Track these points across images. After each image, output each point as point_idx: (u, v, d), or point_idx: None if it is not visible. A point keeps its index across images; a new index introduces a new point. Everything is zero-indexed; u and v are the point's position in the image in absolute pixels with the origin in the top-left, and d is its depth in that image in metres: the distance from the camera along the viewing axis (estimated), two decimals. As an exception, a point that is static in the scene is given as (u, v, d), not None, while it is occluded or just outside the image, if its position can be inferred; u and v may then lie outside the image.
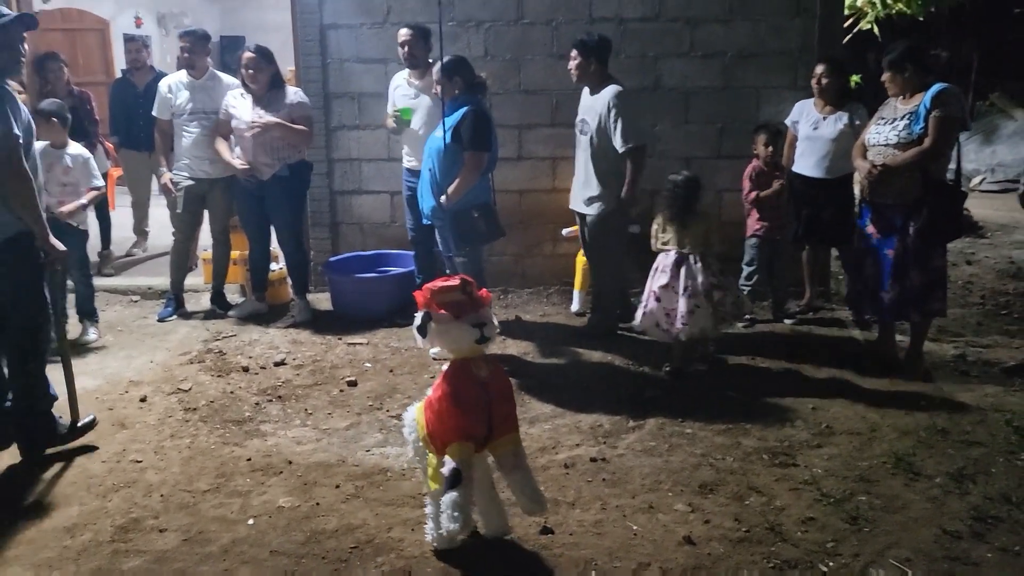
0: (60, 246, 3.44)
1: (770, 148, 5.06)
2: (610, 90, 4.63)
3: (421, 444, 2.86)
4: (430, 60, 4.92)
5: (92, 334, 5.04)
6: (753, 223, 5.20)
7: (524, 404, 4.04)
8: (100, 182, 5.06)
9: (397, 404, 4.06)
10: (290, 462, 3.49)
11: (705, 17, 5.55)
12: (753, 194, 5.11)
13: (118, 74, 9.91)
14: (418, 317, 2.72)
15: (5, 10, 3.29)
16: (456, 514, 2.64)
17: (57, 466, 3.47)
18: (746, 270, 5.24)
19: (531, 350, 4.82)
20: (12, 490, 3.31)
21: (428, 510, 2.85)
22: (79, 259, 4.95)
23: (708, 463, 3.42)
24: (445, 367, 2.84)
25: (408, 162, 5.12)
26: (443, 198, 4.35)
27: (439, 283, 2.76)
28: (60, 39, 9.14)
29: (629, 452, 3.53)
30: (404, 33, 4.95)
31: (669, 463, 3.43)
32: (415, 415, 2.89)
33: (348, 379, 4.36)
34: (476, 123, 4.32)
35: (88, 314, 5.09)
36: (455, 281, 2.76)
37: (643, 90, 5.53)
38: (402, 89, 5.09)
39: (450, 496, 2.66)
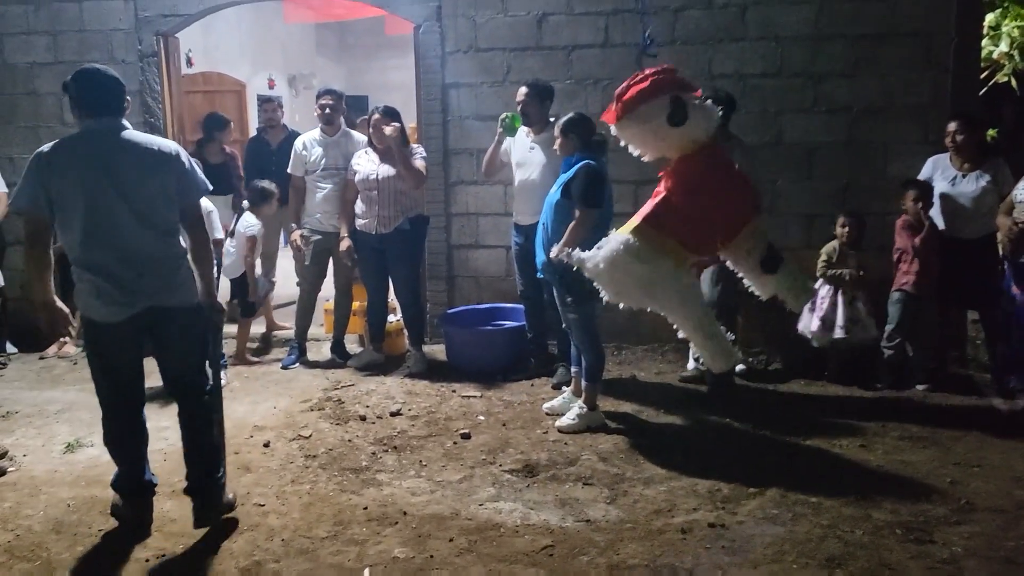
0: (223, 305, 3.54)
1: (919, 204, 4.87)
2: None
3: None
4: (551, 118, 4.99)
5: (221, 379, 5.25)
6: (901, 276, 4.98)
7: (638, 464, 3.96)
8: (220, 234, 5.35)
9: (510, 459, 4.05)
10: (405, 513, 3.51)
11: (830, 72, 5.44)
12: (910, 241, 4.89)
13: (252, 133, 10.52)
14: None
15: None
16: None
17: (184, 506, 3.60)
18: (888, 330, 5.01)
19: (646, 409, 4.73)
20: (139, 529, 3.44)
21: None
22: None
23: (835, 535, 3.25)
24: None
25: (518, 218, 5.18)
26: (552, 252, 4.37)
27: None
28: (201, 100, 9.77)
29: (750, 519, 3.39)
30: (520, 92, 5.04)
31: (793, 533, 3.27)
32: None
33: (462, 431, 4.39)
34: (588, 180, 4.27)
35: (216, 359, 5.31)
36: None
37: (764, 146, 5.44)
38: (520, 139, 5.17)
39: None
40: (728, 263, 3.91)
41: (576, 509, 3.51)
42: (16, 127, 6.41)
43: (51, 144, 3.14)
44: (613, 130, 3.46)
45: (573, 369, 4.73)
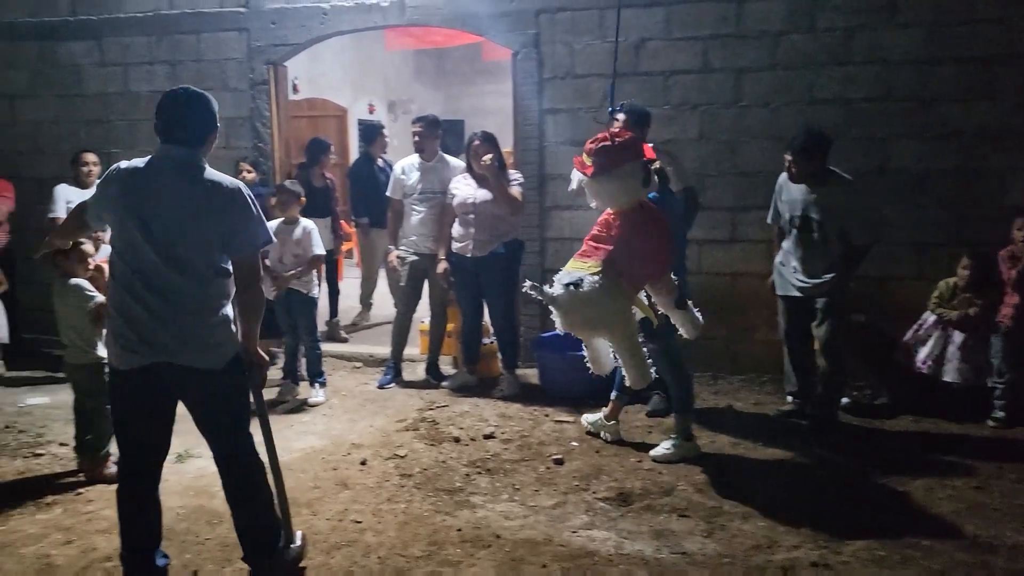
0: (266, 356, 3.10)
1: None
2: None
3: None
4: (649, 143, 4.96)
5: (320, 395, 5.42)
6: (1003, 308, 4.75)
7: (736, 498, 3.86)
8: (322, 251, 5.43)
9: (603, 487, 4.01)
10: (498, 536, 3.52)
11: (940, 96, 5.26)
12: (1009, 273, 4.71)
13: (353, 157, 10.85)
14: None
15: None
16: None
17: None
18: (995, 364, 4.78)
19: (743, 441, 4.62)
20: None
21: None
22: (308, 324, 5.39)
23: (948, 581, 3.10)
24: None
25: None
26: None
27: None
28: (306, 125, 10.14)
29: (855, 560, 3.26)
30: (619, 117, 5.03)
31: (902, 577, 3.13)
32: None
33: (555, 457, 4.38)
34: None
35: (316, 375, 5.49)
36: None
37: (869, 173, 5.28)
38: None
39: None
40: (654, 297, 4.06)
41: (672, 541, 3.45)
42: (138, 151, 6.65)
43: (125, 163, 2.90)
44: (581, 180, 3.79)
45: (613, 393, 4.74)
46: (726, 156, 5.63)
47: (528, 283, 3.76)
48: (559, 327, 3.79)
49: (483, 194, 5.35)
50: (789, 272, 4.80)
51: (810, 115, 5.33)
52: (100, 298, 4.20)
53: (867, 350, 5.20)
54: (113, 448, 4.14)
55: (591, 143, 3.65)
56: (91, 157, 6.28)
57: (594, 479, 4.12)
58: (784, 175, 4.80)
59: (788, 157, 4.68)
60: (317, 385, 5.48)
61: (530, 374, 5.75)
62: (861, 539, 3.43)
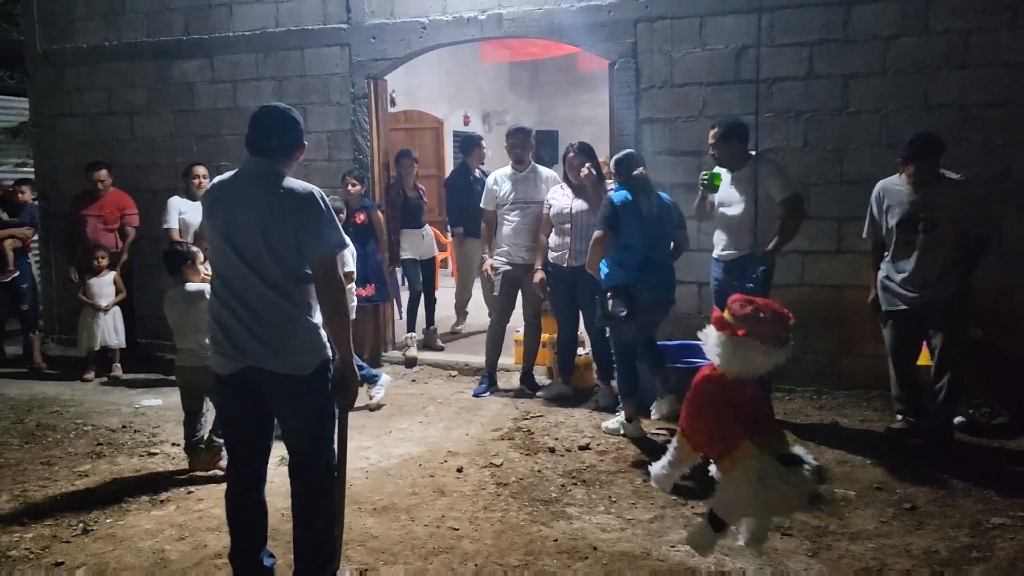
0: (358, 375, 3.08)
1: None
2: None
3: None
4: (751, 151, 4.87)
5: (380, 392, 5.52)
6: None
7: (843, 517, 3.73)
8: (352, 268, 5.30)
9: (702, 502, 3.92)
10: (595, 548, 3.49)
11: (1065, 100, 4.97)
12: None
13: (448, 169, 11.00)
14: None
15: None
16: None
17: (385, 523, 3.76)
18: None
19: (851, 458, 4.45)
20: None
21: None
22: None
23: (1078, 614, 2.90)
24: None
25: (718, 252, 5.07)
26: (587, 266, 4.89)
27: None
28: (402, 137, 10.34)
29: (973, 587, 3.10)
30: (712, 133, 4.94)
31: (1026, 607, 2.96)
32: None
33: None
34: (604, 207, 4.79)
35: (367, 380, 5.51)
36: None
37: (988, 180, 5.03)
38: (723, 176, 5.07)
39: None
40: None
41: (774, 560, 3.35)
42: (244, 164, 7.02)
43: (218, 177, 3.03)
44: (715, 337, 3.02)
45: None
46: (833, 164, 5.46)
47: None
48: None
49: (580, 204, 5.35)
50: (895, 286, 4.61)
51: (925, 121, 5.10)
52: None
53: (984, 366, 4.94)
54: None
55: (740, 303, 3.00)
56: (201, 170, 6.57)
57: (692, 493, 4.03)
58: (883, 182, 4.64)
59: (902, 159, 4.52)
60: (368, 386, 5.52)
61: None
62: (979, 565, 3.25)
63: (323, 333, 2.97)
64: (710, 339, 3.00)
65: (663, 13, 5.75)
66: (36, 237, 7.42)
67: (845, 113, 5.40)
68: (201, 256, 4.55)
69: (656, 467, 3.25)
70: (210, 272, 4.49)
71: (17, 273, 6.70)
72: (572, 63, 11.11)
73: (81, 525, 3.78)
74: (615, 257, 4.76)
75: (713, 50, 5.67)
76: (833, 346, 5.51)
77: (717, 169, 4.91)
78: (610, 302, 4.69)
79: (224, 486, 3.16)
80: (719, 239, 5.06)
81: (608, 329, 4.90)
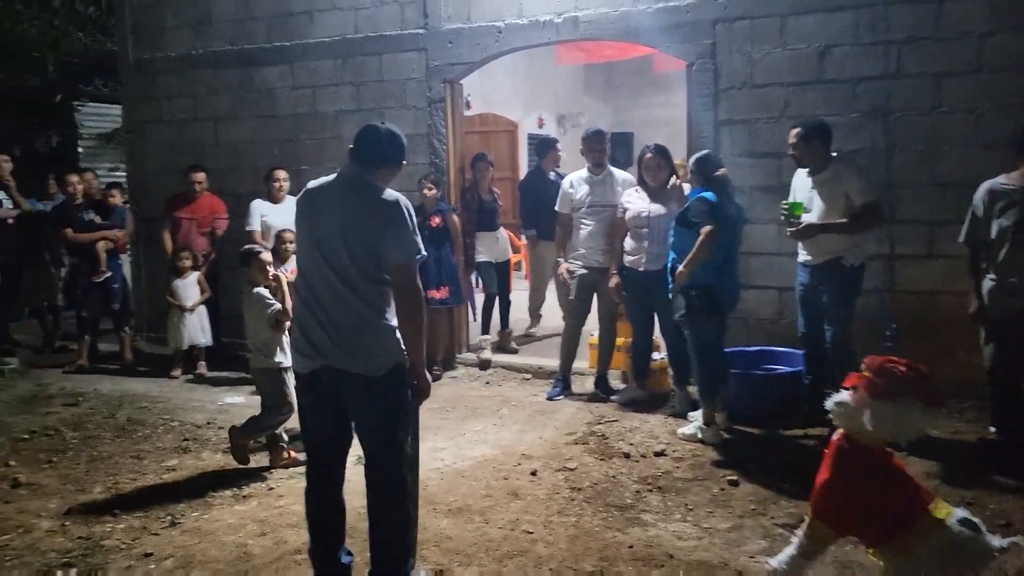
0: (430, 380, 3.18)
1: None
2: None
3: None
4: (833, 153, 4.75)
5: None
6: None
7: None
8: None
9: (782, 511, 3.84)
10: (671, 556, 3.44)
11: None
12: None
13: (523, 172, 11.03)
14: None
15: None
16: None
17: (459, 525, 3.78)
18: None
19: (938, 472, 4.28)
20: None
21: None
22: None
23: None
24: None
25: (804, 257, 4.94)
26: (676, 273, 4.81)
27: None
28: (477, 140, 10.41)
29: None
30: (792, 133, 4.82)
31: None
32: None
33: (730, 478, 4.24)
34: (701, 207, 4.71)
35: None
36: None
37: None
38: (800, 180, 4.96)
39: None
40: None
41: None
42: (323, 169, 7.15)
43: (313, 182, 3.13)
44: (871, 404, 2.66)
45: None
46: (923, 166, 5.26)
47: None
48: None
49: (657, 208, 5.30)
50: (1004, 293, 4.35)
51: (1022, 120, 4.88)
52: (277, 306, 4.46)
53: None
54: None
55: (889, 364, 2.74)
56: (282, 174, 6.74)
57: (772, 503, 3.95)
58: (989, 184, 4.38)
59: (1019, 152, 4.31)
60: None
61: (702, 391, 5.60)
62: (1082, 588, 3.09)
63: (399, 337, 3.02)
64: (856, 406, 2.69)
65: (743, 13, 5.65)
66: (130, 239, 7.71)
67: (936, 113, 5.21)
68: (268, 257, 4.65)
69: (779, 560, 2.91)
70: (275, 274, 4.63)
71: (109, 273, 6.98)
72: (648, 64, 11.01)
73: (169, 518, 3.92)
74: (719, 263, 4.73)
75: (795, 50, 5.54)
76: (923, 354, 5.27)
77: (796, 198, 4.85)
78: (693, 301, 4.70)
79: (303, 483, 3.23)
80: (804, 244, 4.94)
81: (688, 330, 4.87)
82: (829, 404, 2.78)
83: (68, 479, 4.48)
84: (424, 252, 3.05)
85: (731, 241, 4.86)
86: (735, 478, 4.23)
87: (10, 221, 7.18)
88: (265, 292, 4.55)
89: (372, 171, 3.04)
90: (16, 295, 7.76)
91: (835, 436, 2.82)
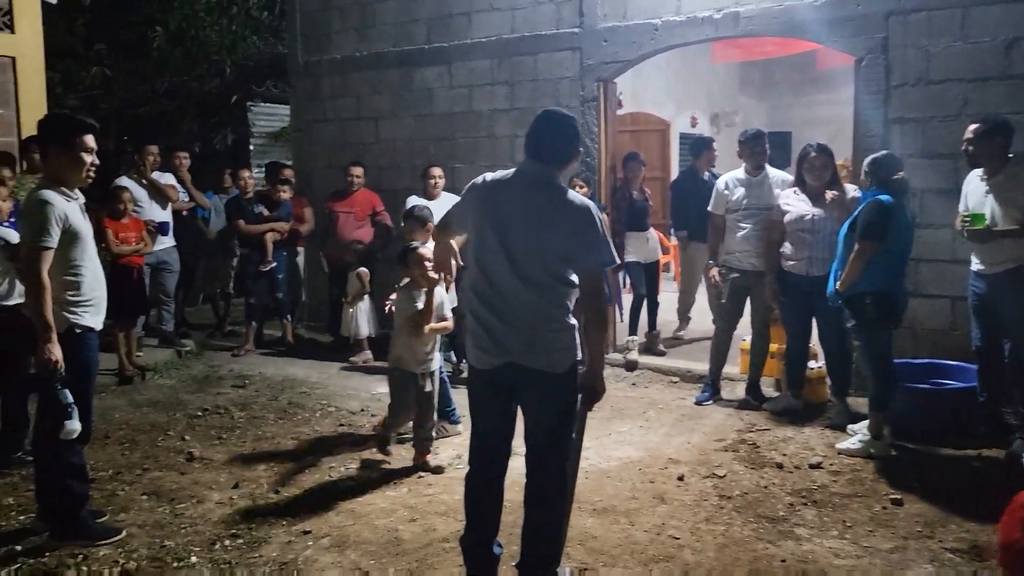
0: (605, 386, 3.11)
1: None
2: None
3: None
4: (1010, 155, 4.40)
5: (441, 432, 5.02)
6: None
7: None
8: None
9: (951, 536, 3.59)
10: (826, 574, 3.29)
11: None
12: None
13: (674, 172, 10.85)
14: None
15: None
16: None
17: (604, 525, 3.76)
18: None
19: None
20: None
21: None
22: None
23: None
24: None
25: (978, 266, 4.61)
26: (837, 285, 4.61)
27: None
28: (628, 139, 10.31)
29: None
30: (969, 129, 4.50)
31: None
32: None
33: (892, 496, 4.01)
34: (871, 214, 4.46)
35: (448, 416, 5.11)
36: None
37: None
38: (973, 184, 4.63)
39: None
40: None
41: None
42: (476, 167, 7.31)
43: (489, 175, 3.10)
44: None
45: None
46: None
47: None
48: None
49: (820, 211, 5.06)
50: None
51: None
52: (418, 306, 4.43)
53: None
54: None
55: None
56: (437, 171, 6.91)
57: (940, 526, 3.70)
58: None
59: None
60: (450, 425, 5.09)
61: (861, 403, 5.31)
62: None
63: (577, 336, 3.04)
64: None
65: (919, 5, 5.31)
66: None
67: None
68: (427, 252, 4.47)
69: None
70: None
71: (275, 264, 7.39)
72: (809, 61, 10.58)
73: (326, 498, 4.10)
74: (875, 261, 4.47)
75: (977, 43, 5.17)
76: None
77: (969, 203, 4.58)
78: (868, 309, 4.51)
79: (451, 474, 3.30)
80: (975, 251, 4.61)
81: (861, 339, 4.66)
82: None
83: (236, 455, 4.78)
84: (618, 260, 3.05)
85: (906, 247, 4.62)
86: (898, 497, 4.00)
87: (184, 212, 7.73)
88: (415, 293, 4.50)
89: (556, 169, 3.05)
90: (192, 283, 8.38)
91: None
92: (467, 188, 3.16)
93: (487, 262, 3.01)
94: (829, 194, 5.04)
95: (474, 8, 7.25)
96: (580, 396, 3.06)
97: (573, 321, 3.04)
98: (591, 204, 3.00)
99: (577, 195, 3.03)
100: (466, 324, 3.20)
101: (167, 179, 7.40)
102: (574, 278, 3.00)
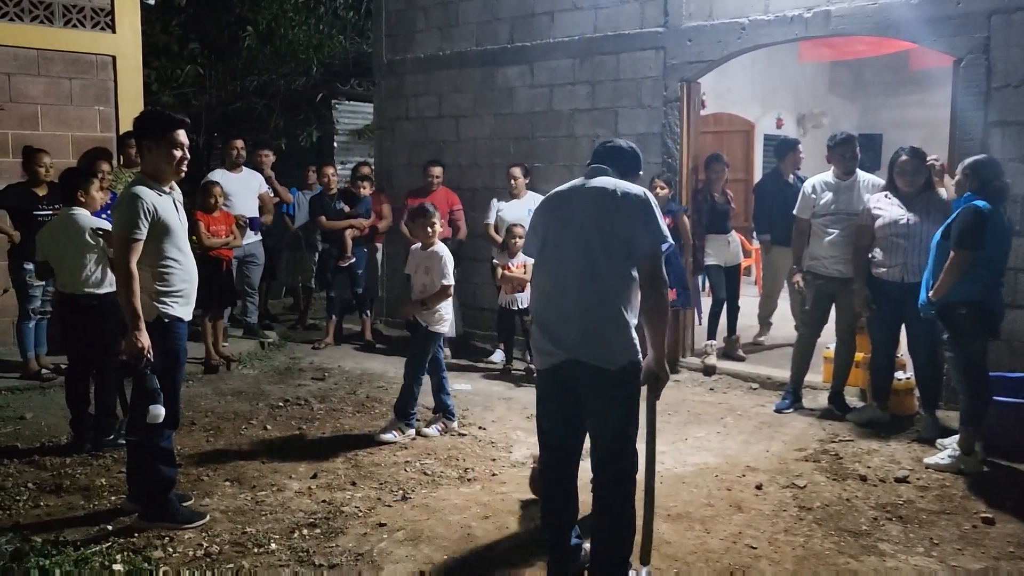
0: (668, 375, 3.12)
1: None
2: None
3: None
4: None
5: (433, 430, 5.10)
6: None
7: None
8: (450, 281, 5.03)
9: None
10: (912, 593, 3.18)
11: None
12: None
13: (758, 174, 10.62)
14: None
15: None
16: None
17: (679, 531, 3.70)
18: None
19: None
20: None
21: None
22: (413, 361, 5.15)
23: None
24: None
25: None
26: (931, 294, 4.45)
27: None
28: (711, 140, 10.14)
29: None
30: None
31: None
32: None
33: (983, 515, 3.84)
34: (967, 221, 4.28)
35: (445, 410, 5.21)
36: None
37: None
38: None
39: None
40: None
41: None
42: (556, 166, 7.31)
43: (554, 190, 3.24)
44: None
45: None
46: None
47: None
48: None
49: (915, 216, 4.88)
50: None
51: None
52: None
53: None
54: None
55: None
56: (516, 171, 6.94)
57: (1035, 549, 3.53)
58: None
59: None
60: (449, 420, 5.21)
61: (951, 416, 5.10)
62: None
63: (635, 336, 3.04)
64: None
65: (1023, 3, 5.08)
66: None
67: None
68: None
69: None
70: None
71: (354, 259, 7.52)
72: (903, 61, 10.21)
73: (401, 492, 4.15)
74: (971, 270, 4.32)
75: (1088, 42, 4.91)
76: None
77: None
78: (964, 320, 4.36)
79: (524, 472, 3.30)
80: None
81: (956, 351, 4.48)
82: None
83: (315, 446, 4.88)
84: (671, 240, 3.08)
85: (1004, 256, 4.45)
86: (990, 515, 3.82)
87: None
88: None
89: (617, 174, 3.19)
90: (275, 276, 8.60)
91: None
92: (533, 212, 3.32)
93: (553, 260, 3.11)
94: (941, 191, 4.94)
95: (557, 7, 7.23)
96: (645, 388, 3.09)
97: (633, 320, 3.04)
98: (649, 194, 3.09)
99: (635, 187, 3.11)
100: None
101: (256, 177, 7.59)
102: (634, 273, 3.03)
